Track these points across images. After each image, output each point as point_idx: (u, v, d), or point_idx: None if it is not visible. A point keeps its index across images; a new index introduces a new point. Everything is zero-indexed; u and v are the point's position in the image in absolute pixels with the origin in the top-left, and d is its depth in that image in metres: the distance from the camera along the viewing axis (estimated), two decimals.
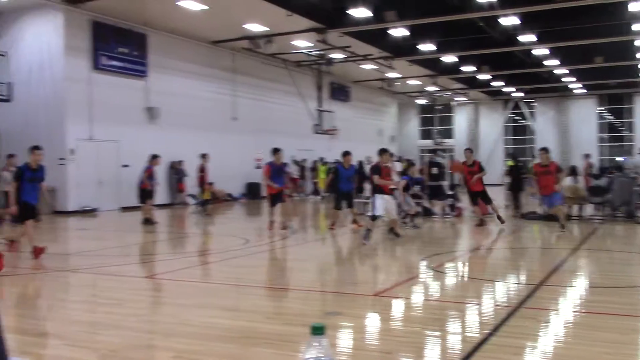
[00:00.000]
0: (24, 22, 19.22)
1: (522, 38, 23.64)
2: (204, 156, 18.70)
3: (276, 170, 13.62)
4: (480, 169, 14.61)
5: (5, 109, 18.22)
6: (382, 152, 11.83)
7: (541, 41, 24.42)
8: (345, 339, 5.19)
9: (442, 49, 25.84)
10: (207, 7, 18.78)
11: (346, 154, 13.97)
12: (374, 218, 11.34)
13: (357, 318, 5.94)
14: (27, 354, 4.55)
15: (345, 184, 13.96)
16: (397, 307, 6.61)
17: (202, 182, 18.48)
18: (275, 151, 13.79)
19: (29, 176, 9.89)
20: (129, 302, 6.81)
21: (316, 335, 1.25)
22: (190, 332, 5.31)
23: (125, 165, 20.47)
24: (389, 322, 5.94)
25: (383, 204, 11.24)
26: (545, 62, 29.21)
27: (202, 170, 18.56)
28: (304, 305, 6.60)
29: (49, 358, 4.64)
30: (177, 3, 18.38)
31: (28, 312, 6.48)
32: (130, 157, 20.33)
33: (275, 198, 13.58)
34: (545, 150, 13.27)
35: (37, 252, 9.78)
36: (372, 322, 6.00)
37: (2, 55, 14.35)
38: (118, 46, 20.28)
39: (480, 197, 14.59)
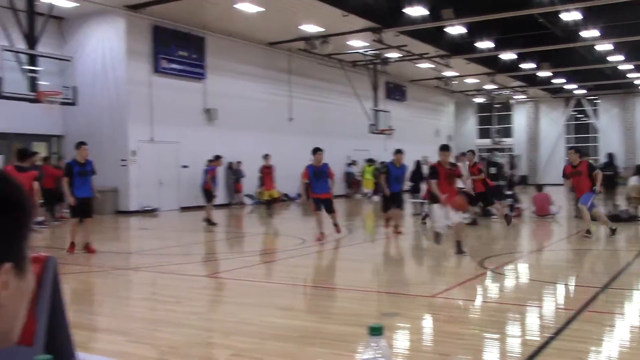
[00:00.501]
0: (88, 28, 19.85)
1: (584, 33, 22.95)
2: (266, 157, 18.86)
3: (316, 174, 12.03)
4: (479, 172, 14.51)
5: (70, 112, 18.86)
6: (442, 149, 9.94)
7: (604, 36, 23.64)
8: (402, 340, 5.15)
9: (501, 46, 25.35)
10: (263, 9, 18.97)
11: (397, 152, 13.14)
12: (437, 238, 9.99)
13: (414, 319, 5.89)
14: (91, 350, 4.70)
15: (395, 185, 12.99)
16: (455, 309, 6.52)
17: (267, 182, 18.57)
18: (315, 152, 12.16)
19: (78, 170, 10.35)
20: (188, 300, 6.95)
21: (374, 336, 1.23)
22: (248, 330, 5.37)
23: (185, 166, 20.90)
24: (447, 324, 5.87)
25: (441, 216, 9.65)
26: (609, 58, 28.26)
27: (262, 170, 18.76)
28: (360, 305, 6.59)
29: (112, 354, 4.77)
30: (234, 6, 18.63)
31: (92, 309, 6.68)
32: (189, 158, 20.75)
33: (322, 204, 12.04)
34: (575, 149, 12.63)
35: (71, 248, 10.19)
36: (430, 323, 5.93)
37: (68, 60, 14.82)
38: (177, 49, 20.71)
39: (482, 199, 14.47)
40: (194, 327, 5.66)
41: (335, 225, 12.29)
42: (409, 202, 20.28)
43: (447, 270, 9.39)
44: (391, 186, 12.93)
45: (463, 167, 16.92)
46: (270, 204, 18.49)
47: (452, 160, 10.19)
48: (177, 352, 4.81)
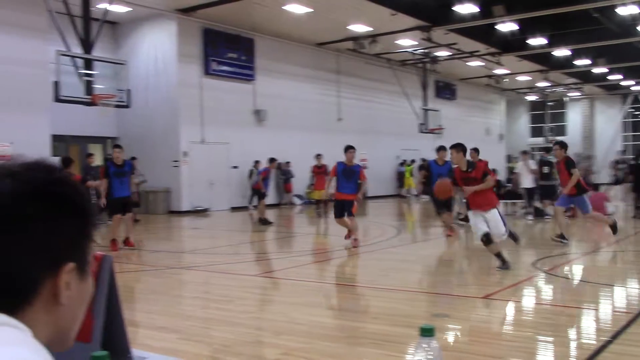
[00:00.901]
0: (140, 32, 20.30)
1: None
2: (317, 157, 18.93)
3: (345, 172, 11.01)
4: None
5: (124, 114, 19.32)
6: (437, 150, 9.39)
7: None
8: (453, 342, 5.09)
9: (554, 42, 24.77)
10: (311, 10, 19.04)
11: (440, 149, 12.48)
12: (487, 243, 8.41)
13: (465, 321, 5.81)
14: (145, 347, 4.80)
15: None
16: (508, 311, 6.41)
17: (318, 182, 18.62)
18: (346, 149, 11.13)
19: (114, 171, 10.79)
20: (239, 299, 7.03)
21: (425, 337, 1.22)
22: (297, 330, 5.40)
23: (235, 167, 21.16)
24: (499, 326, 5.77)
25: (476, 223, 8.48)
26: None
27: (314, 170, 18.82)
28: (410, 306, 6.54)
29: (166, 351, 4.86)
30: (283, 7, 18.76)
31: (146, 307, 6.82)
32: (239, 158, 20.99)
33: (342, 207, 10.98)
34: (560, 144, 11.34)
35: (114, 245, 10.44)
36: (481, 325, 5.84)
37: (122, 63, 15.19)
38: (227, 51, 20.98)
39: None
40: (244, 325, 5.72)
41: (355, 239, 11.03)
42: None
43: (499, 271, 9.23)
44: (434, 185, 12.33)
45: (523, 166, 16.43)
46: (319, 204, 18.53)
47: (468, 159, 8.78)
48: (229, 351, 4.87)
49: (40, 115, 15.93)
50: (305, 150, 22.50)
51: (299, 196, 23.48)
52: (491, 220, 8.29)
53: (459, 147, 8.57)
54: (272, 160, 16.63)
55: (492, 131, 38.92)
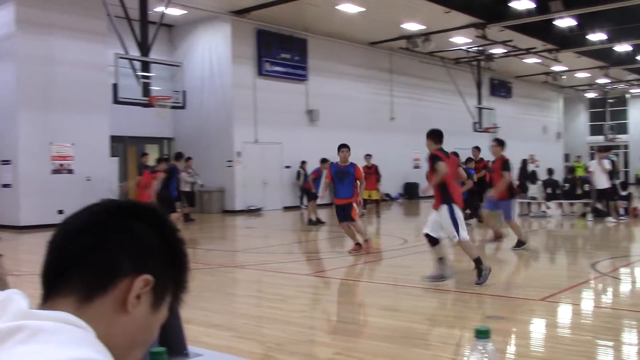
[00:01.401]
0: (195, 34, 20.66)
1: None
2: (367, 157, 18.91)
3: (338, 174, 10.19)
4: (484, 169, 13.23)
5: (179, 115, 19.71)
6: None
7: None
8: (508, 345, 4.99)
9: (615, 38, 24.02)
10: (364, 9, 19.00)
11: (475, 149, 12.12)
12: (431, 244, 7.59)
13: (521, 323, 5.70)
14: (201, 344, 4.88)
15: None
16: (566, 314, 6.25)
17: (368, 182, 18.56)
18: (339, 148, 10.39)
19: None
20: (292, 298, 7.07)
21: (481, 339, 1.20)
22: (350, 329, 5.40)
23: (288, 167, 21.30)
24: (557, 329, 5.63)
25: (428, 220, 7.59)
26: None
27: (364, 170, 18.79)
28: (464, 307, 6.45)
29: (220, 348, 4.94)
30: (336, 7, 18.78)
31: (201, 305, 6.94)
32: (292, 158, 21.13)
33: (342, 212, 10.19)
34: (498, 141, 10.57)
35: None
36: (538, 328, 5.72)
37: (178, 65, 15.50)
38: (280, 52, 21.14)
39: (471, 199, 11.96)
40: (297, 324, 5.75)
41: (357, 244, 10.23)
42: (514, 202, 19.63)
43: (556, 273, 9.01)
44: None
45: (598, 165, 15.52)
46: (367, 204, 18.48)
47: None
48: (282, 349, 4.91)
49: (100, 116, 16.40)
50: (357, 150, 22.42)
51: None
52: (441, 219, 7.33)
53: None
54: (324, 160, 16.67)
55: (549, 130, 38.02)
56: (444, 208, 7.26)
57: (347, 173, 10.09)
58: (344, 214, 10.11)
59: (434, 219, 7.41)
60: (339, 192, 10.15)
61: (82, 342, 0.78)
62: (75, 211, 0.97)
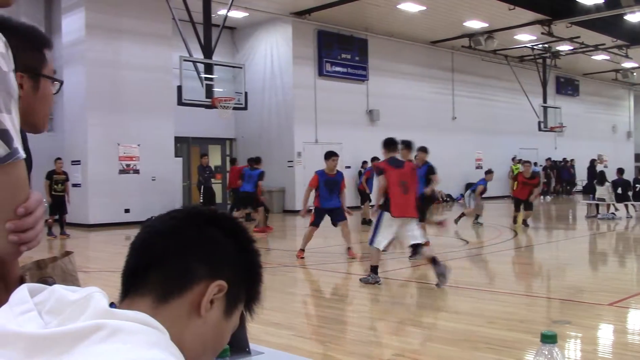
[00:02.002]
0: (257, 36, 20.93)
1: None
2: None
3: (327, 184, 9.86)
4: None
5: (241, 116, 20.00)
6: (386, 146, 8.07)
7: None
8: (575, 350, 4.85)
9: None
10: (425, 8, 18.82)
11: (420, 149, 11.29)
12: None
13: (589, 329, 5.52)
14: (262, 342, 4.94)
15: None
16: (636, 319, 6.02)
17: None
18: (327, 156, 10.08)
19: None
20: (351, 298, 7.07)
21: (547, 344, 1.17)
22: (410, 331, 5.35)
23: (348, 167, 21.29)
24: (626, 335, 5.43)
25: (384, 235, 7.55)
26: None
27: None
28: (528, 311, 6.30)
29: (281, 347, 4.99)
30: (397, 6, 18.67)
31: (263, 304, 7.03)
32: (352, 158, 21.11)
33: (335, 214, 10.00)
34: (405, 144, 9.40)
35: None
36: (607, 334, 5.53)
37: (240, 67, 15.75)
38: (341, 52, 21.16)
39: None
40: (356, 325, 5.74)
41: (349, 248, 10.08)
42: (581, 203, 19.08)
43: (626, 276, 8.69)
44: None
45: None
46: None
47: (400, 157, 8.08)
48: (342, 349, 4.91)
49: (165, 118, 16.82)
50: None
51: None
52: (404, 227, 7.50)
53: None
54: (374, 159, 16.59)
55: (619, 129, 36.68)
56: (379, 213, 7.48)
57: (336, 182, 9.85)
58: (338, 216, 9.92)
59: (401, 230, 7.48)
60: (327, 201, 9.85)
61: (158, 344, 0.80)
62: (158, 215, 1.01)
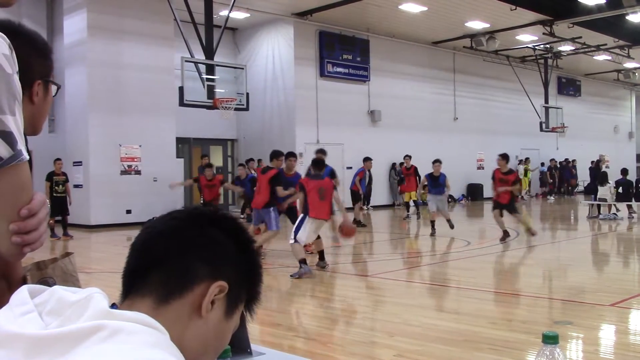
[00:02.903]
0: (258, 37, 20.93)
1: None
2: (406, 158, 18.79)
3: (286, 184, 9.79)
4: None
5: (243, 116, 20.01)
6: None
7: None
8: (577, 351, 4.84)
9: None
10: (426, 9, 18.82)
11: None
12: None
13: (590, 329, 5.52)
14: (264, 342, 4.94)
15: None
16: (637, 320, 6.01)
17: (409, 184, 18.47)
18: (287, 156, 10.18)
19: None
20: (353, 299, 7.07)
21: (549, 344, 1.17)
22: (412, 332, 5.35)
23: (349, 167, 21.28)
24: (628, 336, 5.43)
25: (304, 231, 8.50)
26: None
27: (403, 171, 18.70)
28: (529, 311, 6.29)
29: (282, 347, 4.99)
30: (399, 7, 18.67)
31: (264, 304, 7.03)
32: (353, 159, 21.10)
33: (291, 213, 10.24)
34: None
35: None
36: (608, 334, 5.52)
37: (241, 68, 15.76)
38: (342, 53, 21.17)
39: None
40: (358, 326, 5.74)
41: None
42: (583, 203, 19.08)
43: (628, 277, 8.69)
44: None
45: None
46: (408, 206, 18.31)
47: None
48: (343, 350, 4.91)
49: (167, 118, 16.83)
50: (420, 150, 22.23)
51: None
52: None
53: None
54: (366, 159, 16.60)
55: (621, 129, 36.66)
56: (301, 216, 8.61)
57: (292, 183, 9.74)
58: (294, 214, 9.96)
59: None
60: (282, 199, 9.86)
61: (158, 345, 0.80)
62: (160, 216, 1.01)
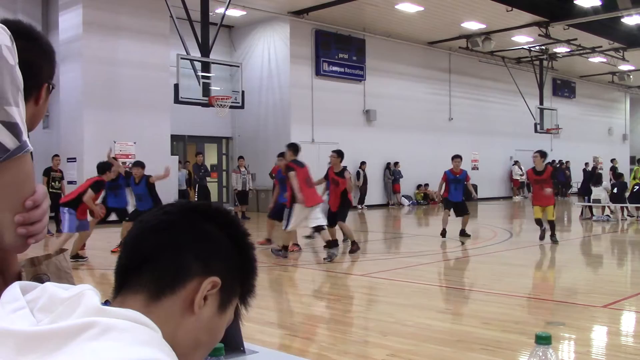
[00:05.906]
0: (254, 35, 20.91)
1: None
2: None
3: (282, 181, 10.74)
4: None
5: (238, 115, 19.99)
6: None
7: None
8: (569, 352, 4.86)
9: None
10: (423, 9, 18.84)
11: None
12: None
13: (582, 330, 5.53)
14: (257, 341, 4.93)
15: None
16: (630, 321, 6.03)
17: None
18: (278, 156, 11.43)
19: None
20: (346, 298, 7.07)
21: (541, 345, 1.17)
22: (405, 331, 5.35)
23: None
24: (620, 337, 5.45)
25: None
26: None
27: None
28: (522, 312, 6.31)
29: (275, 346, 4.98)
30: (395, 7, 18.68)
31: (256, 302, 7.02)
32: (348, 158, 21.05)
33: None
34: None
35: None
36: (600, 335, 5.54)
37: (237, 66, 15.73)
38: (338, 52, 21.16)
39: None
40: (351, 325, 5.75)
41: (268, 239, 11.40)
42: (577, 205, 19.15)
43: (620, 279, 8.72)
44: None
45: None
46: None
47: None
48: (336, 349, 4.91)
49: (162, 116, 16.79)
50: (415, 150, 22.29)
51: (407, 197, 23.29)
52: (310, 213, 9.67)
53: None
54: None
55: (615, 131, 36.80)
56: (293, 205, 9.39)
57: (283, 180, 10.43)
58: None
59: (307, 214, 9.44)
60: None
61: (150, 342, 0.80)
62: (151, 211, 1.00)
